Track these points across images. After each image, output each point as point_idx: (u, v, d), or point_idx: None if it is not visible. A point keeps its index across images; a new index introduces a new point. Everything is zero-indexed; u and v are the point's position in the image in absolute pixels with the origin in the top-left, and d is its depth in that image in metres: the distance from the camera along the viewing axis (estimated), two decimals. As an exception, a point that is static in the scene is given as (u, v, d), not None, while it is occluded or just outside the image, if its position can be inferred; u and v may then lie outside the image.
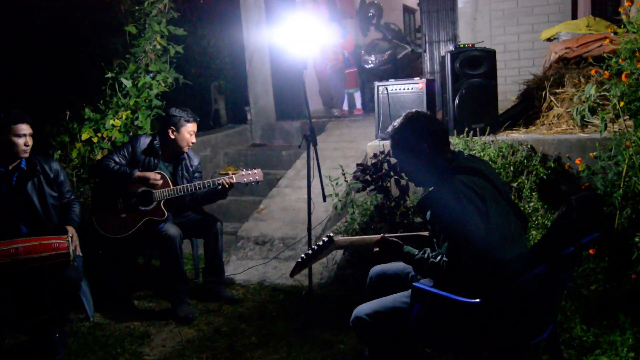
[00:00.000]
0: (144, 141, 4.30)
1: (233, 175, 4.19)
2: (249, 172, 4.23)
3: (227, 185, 4.16)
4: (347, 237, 2.77)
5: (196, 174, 4.42)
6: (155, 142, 4.29)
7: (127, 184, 4.14)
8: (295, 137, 7.86)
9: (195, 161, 4.45)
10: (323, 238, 2.73)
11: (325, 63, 9.24)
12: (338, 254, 4.76)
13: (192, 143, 4.31)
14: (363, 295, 2.88)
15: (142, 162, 4.25)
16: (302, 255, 2.72)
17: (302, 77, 6.66)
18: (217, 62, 8.52)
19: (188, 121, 4.28)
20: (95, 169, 4.27)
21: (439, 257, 2.40)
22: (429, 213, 2.47)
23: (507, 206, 2.45)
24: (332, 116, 8.71)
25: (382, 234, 2.63)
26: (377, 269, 2.93)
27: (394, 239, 2.61)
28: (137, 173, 4.14)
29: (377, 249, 2.59)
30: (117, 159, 4.23)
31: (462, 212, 2.29)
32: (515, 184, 4.28)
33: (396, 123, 2.59)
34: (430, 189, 2.55)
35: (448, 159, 2.51)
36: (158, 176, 4.16)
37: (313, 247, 2.72)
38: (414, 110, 2.63)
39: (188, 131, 4.28)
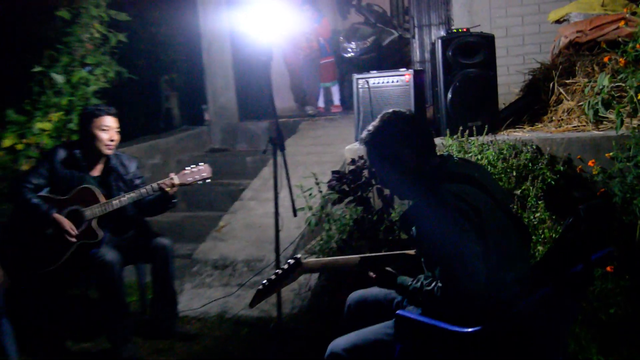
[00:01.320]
0: (62, 153, 4.22)
1: (174, 176, 4.17)
2: (193, 168, 4.22)
3: (167, 189, 4.13)
4: (319, 259, 2.77)
5: (137, 181, 4.39)
6: (76, 151, 4.23)
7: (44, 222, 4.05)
8: (262, 140, 7.85)
9: (132, 166, 4.42)
10: (289, 260, 2.72)
11: (297, 52, 9.24)
12: (312, 279, 4.75)
13: (113, 141, 4.23)
14: (340, 327, 2.87)
15: (65, 179, 4.17)
16: (264, 282, 2.71)
17: (269, 69, 6.67)
18: (169, 53, 8.49)
19: (97, 114, 4.20)
20: (10, 196, 4.20)
21: (432, 284, 2.42)
22: (414, 229, 2.48)
23: (506, 218, 2.47)
24: (306, 115, 8.73)
25: (360, 255, 2.64)
26: (355, 295, 2.93)
27: (388, 269, 2.64)
28: (54, 215, 4.04)
29: (374, 275, 2.65)
30: (34, 181, 4.13)
31: (453, 228, 2.30)
32: (518, 192, 4.32)
33: (371, 127, 2.62)
34: (415, 200, 2.57)
35: (434, 166, 2.53)
36: (70, 228, 4.03)
37: (276, 271, 2.71)
38: (390, 111, 2.65)
39: (100, 126, 4.19)
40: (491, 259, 2.34)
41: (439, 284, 2.38)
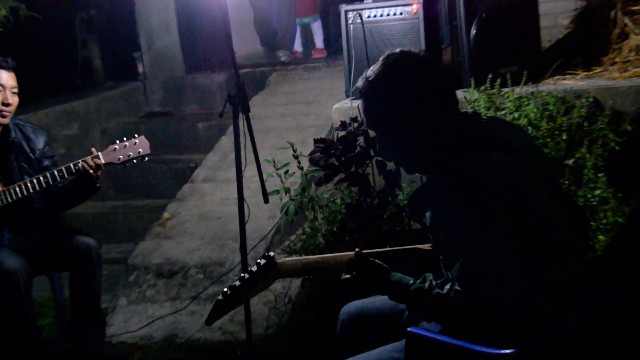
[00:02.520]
0: None
1: (99, 153, 4.15)
2: (125, 142, 4.20)
3: (90, 170, 4.11)
4: (300, 258, 2.78)
5: (45, 162, 4.39)
6: None
7: None
8: (219, 98, 7.87)
9: (39, 142, 4.41)
10: (258, 260, 2.72)
11: (264, -24, 9.20)
12: (293, 287, 4.77)
13: (9, 106, 4.19)
14: (332, 350, 2.88)
15: None
16: (225, 290, 2.71)
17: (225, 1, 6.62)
18: (85, -20, 8.45)
19: None
20: None
21: (447, 286, 2.40)
22: (428, 215, 2.48)
23: (553, 199, 2.48)
24: (278, 63, 8.69)
25: (356, 250, 2.63)
26: (351, 308, 2.93)
27: (375, 259, 2.61)
28: None
29: (348, 276, 2.59)
30: None
31: (480, 214, 2.30)
32: (571, 161, 4.33)
33: (370, 73, 2.58)
34: (429, 176, 2.57)
35: (456, 128, 2.52)
36: None
37: (243, 275, 2.71)
38: (397, 51, 2.62)
39: None
40: (531, 254, 2.34)
41: (457, 287, 2.38)
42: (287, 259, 2.77)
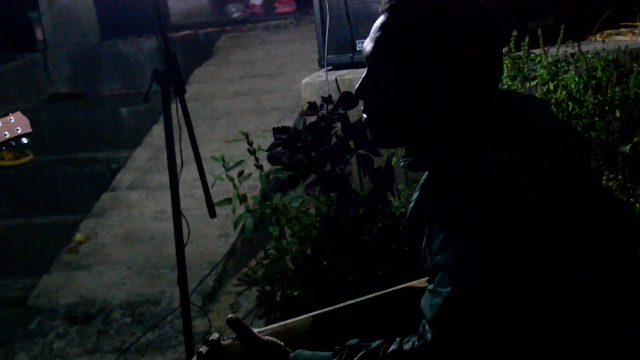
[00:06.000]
0: None
1: None
2: None
3: None
4: (264, 328, 2.82)
5: None
6: None
7: None
8: (149, 72, 7.81)
9: None
10: (199, 349, 2.74)
11: None
12: None
13: None
14: None
15: None
16: None
17: None
18: None
19: None
20: None
21: (411, 342, 2.42)
22: (433, 231, 2.47)
23: (594, 205, 2.48)
24: (229, 21, 8.72)
25: (229, 316, 2.67)
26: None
27: (273, 339, 2.67)
28: None
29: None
30: None
31: (489, 240, 2.29)
32: (626, 148, 4.36)
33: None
34: (429, 174, 2.57)
35: (496, 109, 2.49)
36: None
37: None
38: None
39: None
40: (564, 291, 2.34)
41: (428, 335, 2.38)
42: (237, 339, 2.77)
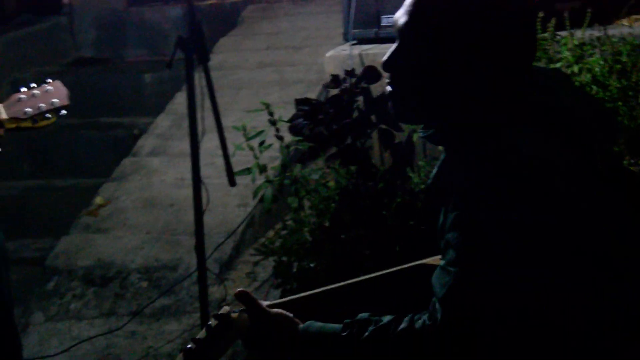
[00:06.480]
0: None
1: None
2: (34, 91, 4.15)
3: None
4: (274, 302, 2.80)
5: None
6: None
7: None
8: (173, 40, 7.80)
9: None
10: (209, 322, 2.73)
11: None
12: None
13: None
14: None
15: None
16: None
17: None
18: None
19: None
20: None
21: (421, 320, 2.41)
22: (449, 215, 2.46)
23: (614, 196, 2.46)
24: (255, -8, 8.71)
25: (238, 290, 2.66)
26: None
27: (276, 310, 2.66)
28: None
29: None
30: None
31: (500, 223, 2.28)
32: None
33: None
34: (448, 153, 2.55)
35: (520, 90, 2.48)
36: None
37: (199, 337, 2.74)
38: None
39: None
40: (568, 277, 2.33)
41: (438, 314, 2.37)
42: (245, 311, 2.75)
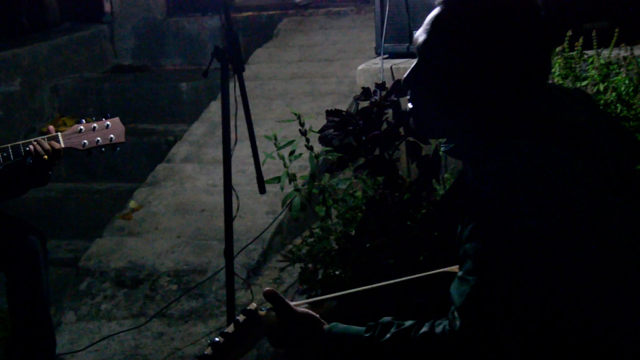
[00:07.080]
0: None
1: (59, 134, 4.21)
2: (93, 124, 4.23)
3: (44, 155, 4.15)
4: (301, 302, 2.83)
5: None
6: None
7: None
8: (210, 50, 7.83)
9: None
10: (236, 317, 2.78)
11: None
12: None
13: None
14: None
15: None
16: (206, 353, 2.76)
17: None
18: None
19: None
20: None
21: (442, 325, 2.45)
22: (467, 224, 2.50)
23: (627, 209, 2.48)
24: (292, 5, 8.73)
25: (266, 290, 2.69)
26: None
27: (299, 308, 2.68)
28: None
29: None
30: None
31: (516, 234, 2.30)
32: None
33: None
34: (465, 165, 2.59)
35: (536, 105, 2.51)
36: None
37: (226, 330, 2.78)
38: None
39: None
40: (584, 285, 2.35)
41: (456, 322, 2.42)
42: (272, 309, 2.78)
